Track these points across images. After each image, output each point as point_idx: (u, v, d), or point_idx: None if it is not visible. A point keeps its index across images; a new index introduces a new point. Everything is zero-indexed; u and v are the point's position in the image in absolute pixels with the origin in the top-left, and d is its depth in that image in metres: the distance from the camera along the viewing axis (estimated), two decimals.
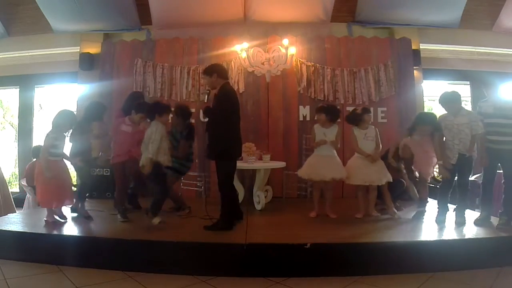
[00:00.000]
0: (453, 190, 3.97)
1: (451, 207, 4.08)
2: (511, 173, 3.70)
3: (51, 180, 3.69)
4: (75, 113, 4.28)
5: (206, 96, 3.74)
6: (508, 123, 3.65)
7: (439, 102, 4.01)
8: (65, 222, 3.87)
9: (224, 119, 3.54)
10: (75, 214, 4.12)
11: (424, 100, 6.38)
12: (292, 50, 5.63)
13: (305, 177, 4.30)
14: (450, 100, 3.88)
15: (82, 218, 4.00)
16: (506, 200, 3.74)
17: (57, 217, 3.89)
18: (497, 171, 3.86)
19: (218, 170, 3.64)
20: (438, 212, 3.94)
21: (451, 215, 3.95)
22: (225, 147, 3.56)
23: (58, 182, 3.78)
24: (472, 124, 3.73)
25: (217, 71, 3.67)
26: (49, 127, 3.85)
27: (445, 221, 3.84)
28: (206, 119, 3.97)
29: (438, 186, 4.16)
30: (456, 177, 3.92)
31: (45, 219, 3.82)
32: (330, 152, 4.15)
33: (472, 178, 5.22)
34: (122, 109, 4.33)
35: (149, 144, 3.52)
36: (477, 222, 3.73)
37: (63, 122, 3.81)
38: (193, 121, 5.40)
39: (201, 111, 3.78)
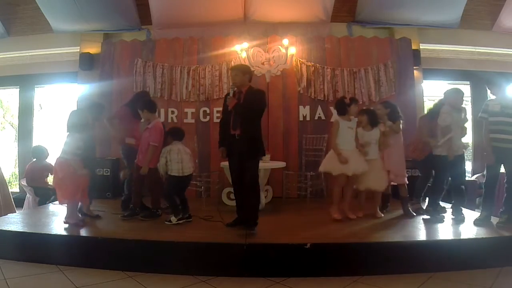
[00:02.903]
0: (448, 189, 4.09)
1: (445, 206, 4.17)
2: None
3: (74, 176, 3.64)
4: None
5: (232, 92, 3.63)
6: None
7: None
8: (96, 218, 4.01)
9: (258, 119, 3.64)
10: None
11: (424, 100, 6.36)
12: (292, 50, 5.63)
13: (336, 172, 3.95)
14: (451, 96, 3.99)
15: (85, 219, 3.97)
16: (508, 199, 3.74)
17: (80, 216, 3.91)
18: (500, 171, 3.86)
19: (253, 169, 3.57)
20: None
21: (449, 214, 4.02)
22: (261, 146, 3.64)
23: (78, 180, 3.71)
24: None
25: (250, 74, 3.72)
26: (63, 129, 3.79)
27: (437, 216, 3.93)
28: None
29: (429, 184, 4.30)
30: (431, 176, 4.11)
31: (65, 221, 3.65)
32: (353, 147, 4.01)
33: (472, 178, 5.23)
34: (131, 109, 4.28)
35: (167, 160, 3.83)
36: (477, 222, 3.73)
37: (85, 121, 3.80)
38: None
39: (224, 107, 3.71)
